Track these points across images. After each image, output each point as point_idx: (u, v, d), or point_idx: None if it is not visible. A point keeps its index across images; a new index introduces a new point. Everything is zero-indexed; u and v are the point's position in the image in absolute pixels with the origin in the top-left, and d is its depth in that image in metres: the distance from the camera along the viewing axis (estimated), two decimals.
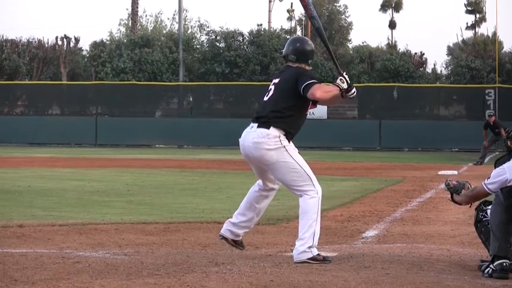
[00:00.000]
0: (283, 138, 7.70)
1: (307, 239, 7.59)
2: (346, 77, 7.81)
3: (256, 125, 7.74)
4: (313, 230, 7.60)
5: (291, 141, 7.79)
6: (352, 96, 7.85)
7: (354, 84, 7.85)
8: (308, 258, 7.55)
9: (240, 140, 7.84)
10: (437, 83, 47.12)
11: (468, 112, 44.76)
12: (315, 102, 7.88)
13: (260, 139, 7.67)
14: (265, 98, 7.87)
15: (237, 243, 7.97)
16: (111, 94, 45.90)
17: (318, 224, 7.65)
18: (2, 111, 46.97)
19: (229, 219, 8.00)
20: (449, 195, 7.71)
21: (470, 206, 7.78)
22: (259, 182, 7.96)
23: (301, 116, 7.84)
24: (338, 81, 7.76)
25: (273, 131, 7.67)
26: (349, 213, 12.40)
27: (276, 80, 7.90)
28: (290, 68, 7.89)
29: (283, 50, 8.00)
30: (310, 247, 7.58)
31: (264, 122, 7.70)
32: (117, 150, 38.56)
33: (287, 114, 7.70)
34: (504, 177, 7.16)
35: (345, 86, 7.76)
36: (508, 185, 7.14)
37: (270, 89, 7.90)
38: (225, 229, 7.97)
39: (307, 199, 7.66)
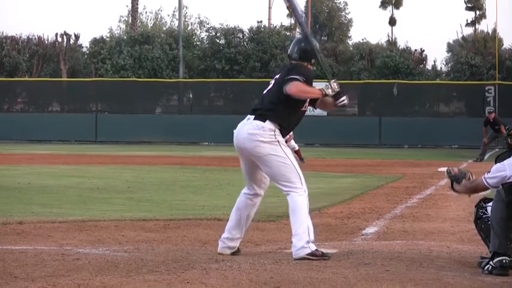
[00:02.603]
0: (277, 133, 7.73)
1: (302, 234, 7.59)
2: (334, 84, 7.84)
3: (253, 117, 7.80)
4: (306, 225, 7.61)
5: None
6: (341, 104, 7.89)
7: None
8: (307, 254, 7.55)
9: (235, 131, 7.88)
10: (437, 80, 47.14)
11: (468, 109, 44.76)
12: (313, 103, 7.93)
13: (255, 131, 7.70)
14: (265, 92, 7.95)
15: (234, 253, 7.97)
16: (111, 91, 45.88)
17: (309, 219, 7.66)
18: (2, 108, 46.98)
19: (223, 236, 7.97)
20: (450, 183, 7.73)
21: (469, 197, 7.81)
22: (244, 190, 7.97)
23: (296, 111, 7.84)
24: (324, 86, 7.81)
25: (268, 125, 7.70)
26: (349, 210, 12.40)
27: (277, 76, 7.97)
28: (291, 64, 7.94)
29: (289, 50, 8.05)
30: (307, 242, 7.58)
31: (260, 115, 7.75)
32: (117, 147, 38.56)
33: (280, 107, 7.72)
34: (504, 173, 7.17)
35: (329, 91, 7.81)
36: (507, 181, 7.15)
37: (270, 83, 7.98)
38: (222, 247, 7.96)
39: (295, 197, 7.67)
